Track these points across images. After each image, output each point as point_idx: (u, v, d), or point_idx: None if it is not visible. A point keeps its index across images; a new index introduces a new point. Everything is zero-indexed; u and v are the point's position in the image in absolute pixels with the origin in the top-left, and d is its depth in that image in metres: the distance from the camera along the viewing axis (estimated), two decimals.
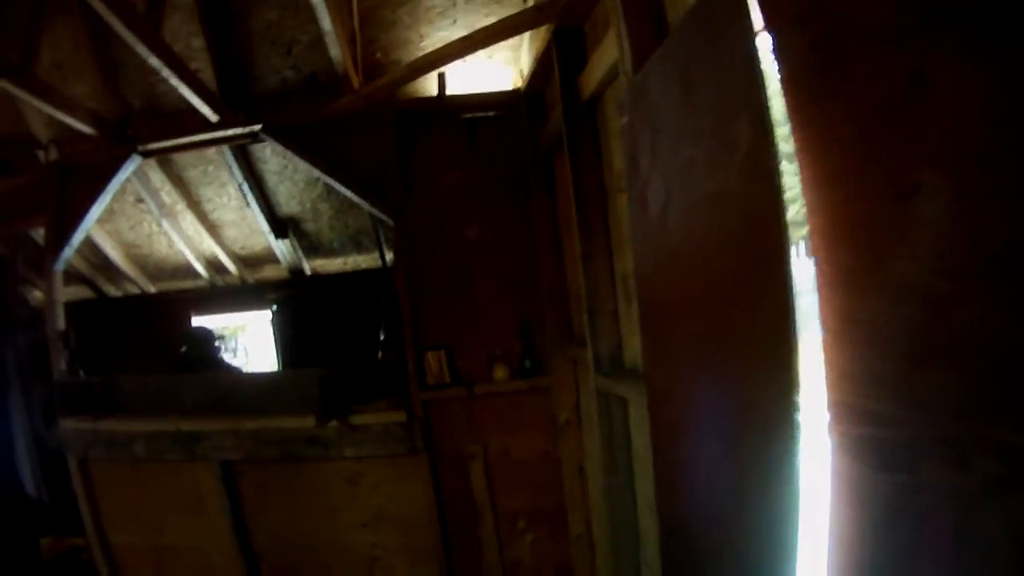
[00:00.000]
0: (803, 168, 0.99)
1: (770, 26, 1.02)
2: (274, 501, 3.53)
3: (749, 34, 1.15)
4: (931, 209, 0.77)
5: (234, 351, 8.45)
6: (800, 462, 1.14)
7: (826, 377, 1.02)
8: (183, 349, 4.92)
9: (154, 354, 5.13)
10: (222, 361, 4.75)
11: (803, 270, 1.16)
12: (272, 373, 5.09)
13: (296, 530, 3.54)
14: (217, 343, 4.90)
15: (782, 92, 1.02)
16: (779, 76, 1.01)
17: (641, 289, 1.82)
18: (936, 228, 0.77)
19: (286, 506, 3.53)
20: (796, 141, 1.00)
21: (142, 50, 3.01)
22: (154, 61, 3.09)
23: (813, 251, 1.01)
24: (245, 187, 4.44)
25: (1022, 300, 0.68)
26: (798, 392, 1.14)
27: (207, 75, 3.65)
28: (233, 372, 4.49)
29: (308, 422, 3.34)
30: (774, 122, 1.15)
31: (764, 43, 1.20)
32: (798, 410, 1.14)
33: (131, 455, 3.58)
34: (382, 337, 4.05)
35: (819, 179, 0.96)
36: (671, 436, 1.72)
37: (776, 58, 1.01)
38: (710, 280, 1.40)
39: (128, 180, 4.12)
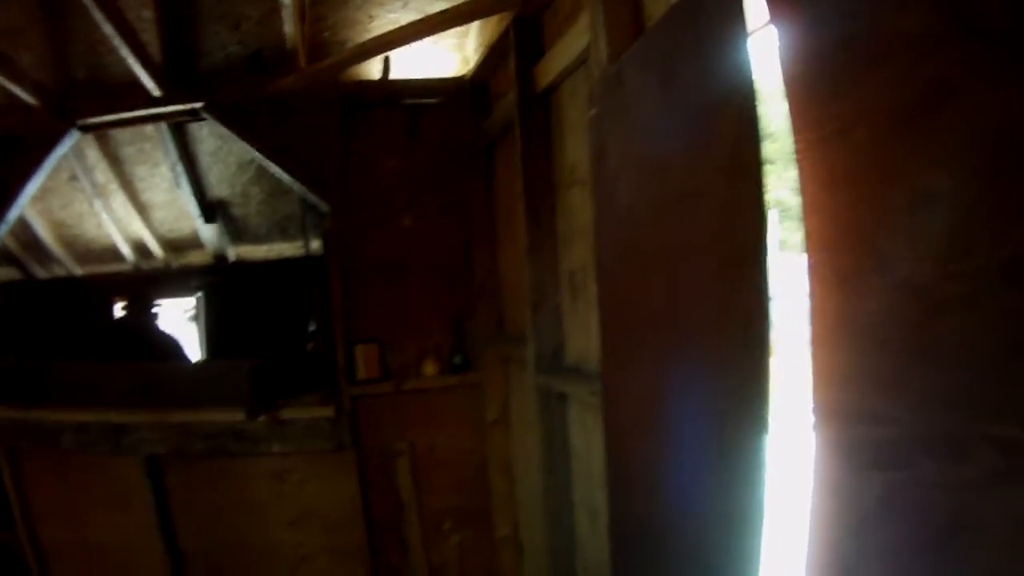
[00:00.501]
0: (804, 169, 0.98)
1: (778, 23, 1.00)
2: (201, 497, 3.37)
3: (741, 30, 1.14)
4: (944, 216, 0.78)
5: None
6: (768, 462, 1.15)
7: (814, 378, 1.02)
8: (121, 315, 4.66)
9: (79, 339, 4.79)
10: (159, 329, 4.42)
11: (780, 269, 1.17)
12: (200, 363, 4.84)
13: (223, 528, 3.38)
14: (155, 310, 4.57)
15: (785, 91, 1.00)
16: (784, 74, 1.00)
17: (603, 284, 1.80)
18: (947, 234, 0.77)
19: (213, 503, 3.37)
20: (798, 141, 0.98)
21: (98, 16, 2.88)
22: (108, 29, 2.96)
23: (808, 252, 1.00)
24: (179, 167, 4.27)
25: None
26: (769, 392, 1.15)
27: (154, 48, 3.47)
28: (163, 357, 4.16)
29: (237, 416, 3.17)
30: (760, 121, 1.15)
31: (758, 40, 1.19)
32: (769, 409, 1.15)
33: (59, 446, 3.38)
34: (311, 328, 3.88)
35: (822, 181, 0.95)
36: (629, 435, 1.71)
37: (782, 56, 0.99)
38: (682, 276, 1.39)
39: (64, 157, 3.94)
